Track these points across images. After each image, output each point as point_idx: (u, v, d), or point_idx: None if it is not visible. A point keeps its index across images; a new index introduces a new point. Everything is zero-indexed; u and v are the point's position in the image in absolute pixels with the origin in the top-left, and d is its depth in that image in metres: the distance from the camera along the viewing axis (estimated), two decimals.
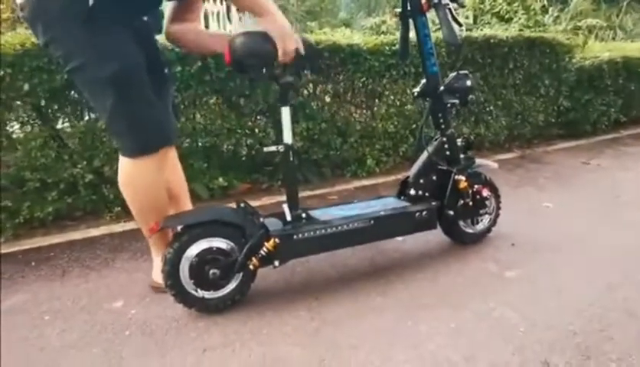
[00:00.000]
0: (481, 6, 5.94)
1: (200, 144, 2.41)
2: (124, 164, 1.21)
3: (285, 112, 1.28)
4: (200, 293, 1.27)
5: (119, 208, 2.25)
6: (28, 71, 1.90)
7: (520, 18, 5.73)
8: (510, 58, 3.17)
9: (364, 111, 2.84)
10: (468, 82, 1.51)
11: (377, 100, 2.84)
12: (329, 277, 1.54)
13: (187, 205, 1.56)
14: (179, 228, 1.27)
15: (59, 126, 2.18)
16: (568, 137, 3.72)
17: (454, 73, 1.53)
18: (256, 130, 2.50)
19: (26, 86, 1.90)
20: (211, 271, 1.25)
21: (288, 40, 1.18)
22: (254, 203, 2.37)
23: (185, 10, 1.31)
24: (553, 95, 3.51)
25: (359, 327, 1.22)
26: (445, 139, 1.57)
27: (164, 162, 1.26)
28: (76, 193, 2.18)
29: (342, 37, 4.31)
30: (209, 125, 2.40)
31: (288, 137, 1.30)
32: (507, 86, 3.27)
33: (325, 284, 1.48)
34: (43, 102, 2.03)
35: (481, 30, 4.78)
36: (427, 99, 1.57)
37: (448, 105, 1.53)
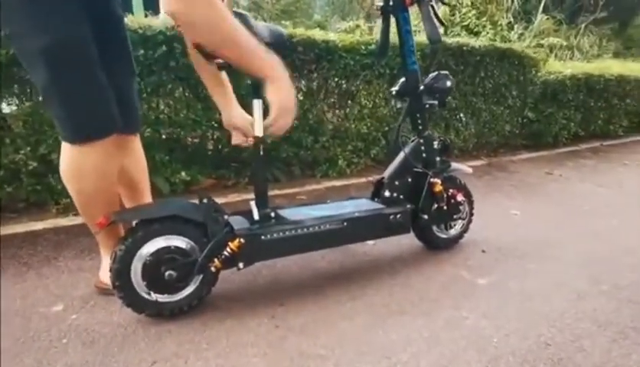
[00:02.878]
0: (452, 18, 6.10)
1: (162, 135, 2.25)
2: (64, 150, 1.07)
3: (257, 105, 1.18)
4: (153, 296, 1.14)
5: (68, 199, 2.04)
6: None
7: (487, 33, 5.94)
8: (481, 67, 3.23)
9: (337, 111, 2.78)
10: (448, 83, 1.47)
11: (350, 101, 2.79)
12: (296, 280, 1.45)
13: (148, 198, 1.41)
14: (134, 223, 1.14)
15: (3, 107, 1.96)
16: (531, 147, 3.85)
17: (434, 73, 1.49)
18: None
19: None
20: (167, 272, 1.12)
21: (285, 116, 1.02)
22: (219, 200, 2.24)
23: None
24: (519, 106, 3.63)
25: (327, 335, 1.14)
26: (422, 140, 1.52)
27: (113, 151, 1.10)
28: (17, 181, 1.96)
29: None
30: (173, 115, 2.24)
31: (259, 130, 1.20)
32: (477, 95, 3.33)
33: (292, 289, 1.38)
34: None
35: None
36: (405, 98, 1.52)
37: (427, 105, 1.48)
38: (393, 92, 1.53)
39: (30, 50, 0.96)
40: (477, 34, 5.79)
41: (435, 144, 1.56)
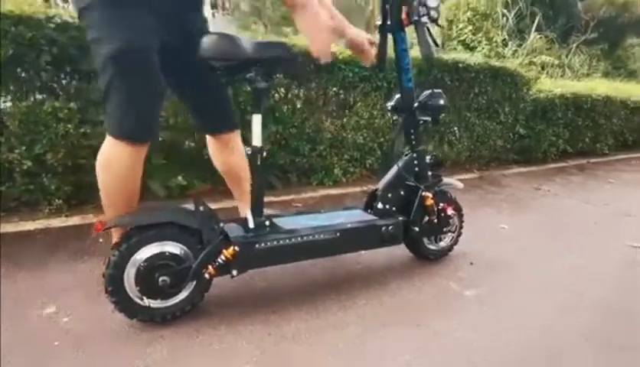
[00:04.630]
0: (449, 32, 6.23)
1: (160, 138, 2.26)
2: (105, 142, 1.17)
3: (257, 119, 1.21)
4: (146, 301, 1.14)
5: (60, 201, 2.04)
6: None
7: (483, 48, 6.07)
8: (475, 83, 3.31)
9: (335, 120, 2.82)
10: (441, 101, 1.52)
11: (347, 111, 2.83)
12: (289, 288, 1.46)
13: (247, 188, 1.45)
14: (129, 228, 1.15)
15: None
16: (522, 162, 3.93)
17: (428, 91, 1.53)
18: None
19: None
20: (161, 278, 1.13)
21: (319, 38, 1.09)
22: (214, 206, 2.26)
23: None
24: (511, 122, 3.70)
25: (319, 344, 1.16)
26: (415, 155, 1.56)
27: (141, 157, 1.19)
28: (11, 180, 1.95)
29: None
30: (170, 119, 2.26)
31: (257, 140, 1.22)
32: (471, 110, 3.40)
33: (285, 296, 1.40)
34: None
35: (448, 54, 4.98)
36: (400, 113, 1.56)
37: (421, 121, 1.53)
38: (389, 107, 1.58)
39: (101, 54, 1.07)
40: (473, 49, 5.92)
41: (428, 159, 1.60)
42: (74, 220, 2.01)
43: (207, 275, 1.17)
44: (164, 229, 1.14)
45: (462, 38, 6.18)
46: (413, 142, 1.56)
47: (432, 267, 1.67)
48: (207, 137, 1.52)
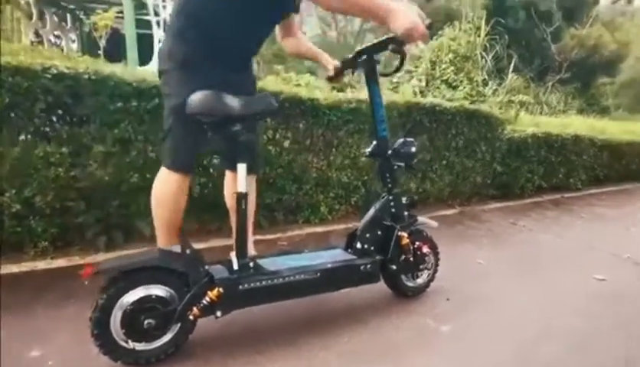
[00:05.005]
0: (433, 72, 6.60)
1: (148, 177, 2.33)
2: (159, 175, 1.45)
3: (242, 168, 1.31)
4: (131, 344, 1.18)
5: (46, 242, 2.07)
6: None
7: (464, 87, 6.42)
8: (452, 125, 3.51)
9: (321, 159, 2.94)
10: (413, 149, 1.65)
11: (333, 149, 2.95)
12: (273, 328, 1.51)
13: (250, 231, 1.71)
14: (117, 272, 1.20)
15: None
16: (501, 197, 4.08)
17: (401, 139, 1.66)
18: (210, 169, 2.48)
19: None
20: (146, 321, 1.18)
21: (412, 29, 1.25)
22: (202, 245, 2.30)
23: (284, 27, 1.72)
24: (488, 160, 3.89)
25: None
26: (391, 197, 1.67)
27: (185, 188, 1.45)
28: None
29: (305, 84, 4.52)
30: (160, 159, 2.34)
31: (242, 187, 1.31)
32: (450, 149, 3.58)
33: (267, 336, 1.44)
34: None
35: (432, 93, 5.28)
36: (377, 159, 1.68)
37: (395, 167, 1.65)
38: (367, 153, 1.70)
39: (167, 106, 1.39)
40: (455, 87, 6.23)
41: (404, 200, 1.70)
42: (60, 262, 2.03)
43: (191, 317, 1.22)
44: (151, 273, 1.20)
45: (445, 78, 6.54)
46: (389, 185, 1.67)
47: (410, 304, 1.73)
48: (227, 172, 1.74)
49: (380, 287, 1.72)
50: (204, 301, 1.23)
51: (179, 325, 1.24)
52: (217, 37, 1.38)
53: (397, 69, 1.56)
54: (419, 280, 1.78)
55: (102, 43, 5.45)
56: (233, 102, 1.26)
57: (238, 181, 1.31)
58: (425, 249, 1.72)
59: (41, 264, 1.97)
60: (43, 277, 1.85)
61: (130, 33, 6.80)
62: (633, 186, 5.41)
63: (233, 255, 1.35)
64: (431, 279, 1.82)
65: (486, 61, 6.59)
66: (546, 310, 1.76)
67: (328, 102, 2.78)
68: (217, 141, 1.51)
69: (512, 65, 7.98)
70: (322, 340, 1.44)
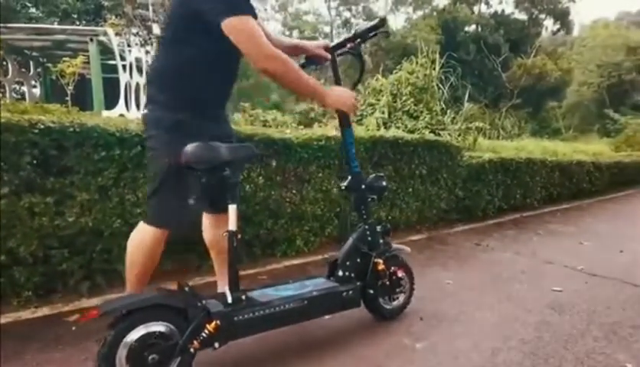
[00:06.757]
0: (394, 104, 7.06)
1: (131, 223, 2.40)
2: (138, 228, 1.55)
3: (232, 208, 1.46)
4: None
5: (29, 292, 2.07)
6: None
7: (425, 117, 6.90)
8: (415, 155, 3.82)
9: (294, 194, 3.11)
10: (384, 183, 1.87)
11: (306, 184, 3.14)
12: (261, 355, 1.62)
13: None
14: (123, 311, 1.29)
15: None
16: (465, 220, 4.39)
17: (373, 175, 1.88)
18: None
19: None
20: (150, 356, 1.26)
21: (343, 105, 1.67)
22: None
23: None
24: (451, 186, 4.21)
25: None
26: (367, 227, 1.86)
27: (160, 243, 1.55)
28: None
29: (272, 120, 4.72)
30: (142, 204, 2.42)
31: (233, 226, 1.46)
32: (414, 177, 3.87)
33: (257, 364, 1.55)
34: None
35: (395, 124, 5.66)
36: (352, 192, 1.88)
37: (369, 199, 1.85)
38: (343, 187, 1.89)
39: (156, 163, 1.50)
40: (416, 118, 6.66)
41: (378, 229, 1.89)
42: (44, 311, 2.03)
43: (192, 350, 1.31)
44: (153, 311, 1.30)
45: (406, 109, 7.02)
46: (364, 216, 1.86)
47: (389, 326, 1.89)
48: (204, 214, 1.80)
49: (360, 310, 1.87)
50: (203, 334, 1.33)
51: (180, 358, 1.32)
52: (202, 98, 1.54)
53: (357, 82, 1.88)
54: (396, 303, 1.95)
55: (70, 89, 5.47)
56: (222, 149, 1.42)
57: (229, 220, 1.45)
58: (400, 273, 1.91)
59: (25, 314, 1.98)
60: (28, 326, 1.86)
61: (97, 78, 6.87)
62: (584, 203, 5.95)
63: (226, 289, 1.47)
64: (407, 301, 1.99)
65: (443, 92, 7.11)
66: (507, 323, 1.97)
67: (299, 141, 2.99)
68: (200, 189, 1.57)
69: (467, 94, 8.66)
70: (308, 363, 1.56)
